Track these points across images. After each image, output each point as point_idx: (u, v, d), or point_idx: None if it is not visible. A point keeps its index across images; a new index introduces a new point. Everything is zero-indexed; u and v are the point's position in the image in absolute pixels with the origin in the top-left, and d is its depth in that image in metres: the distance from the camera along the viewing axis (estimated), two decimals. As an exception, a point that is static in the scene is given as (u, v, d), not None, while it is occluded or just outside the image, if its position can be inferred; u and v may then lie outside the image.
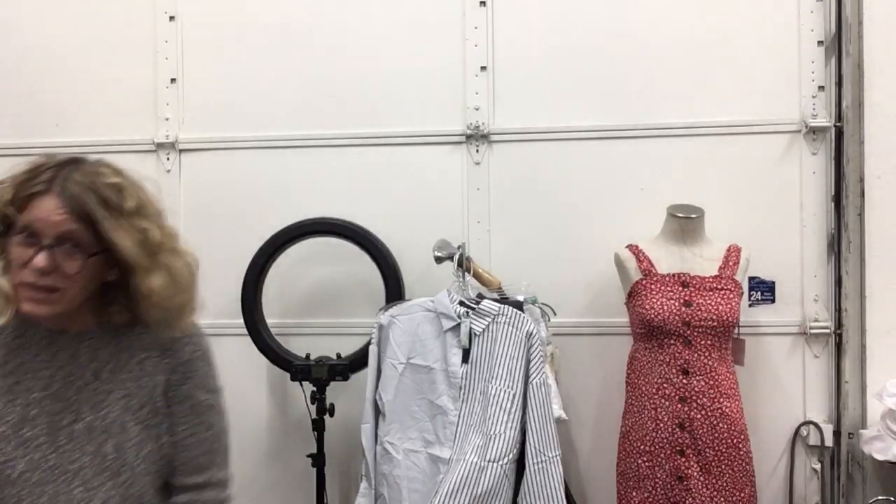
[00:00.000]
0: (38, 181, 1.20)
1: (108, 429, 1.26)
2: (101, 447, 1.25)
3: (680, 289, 2.22)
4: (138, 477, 1.28)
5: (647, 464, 2.18)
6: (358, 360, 2.36)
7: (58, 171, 1.22)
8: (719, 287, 2.22)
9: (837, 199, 2.46)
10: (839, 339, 2.45)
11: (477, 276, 2.32)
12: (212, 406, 1.36)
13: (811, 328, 2.46)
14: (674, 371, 2.17)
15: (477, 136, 2.58)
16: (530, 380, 2.10)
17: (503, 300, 2.23)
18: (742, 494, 2.16)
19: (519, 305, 2.20)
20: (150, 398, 1.30)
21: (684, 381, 2.16)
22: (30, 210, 1.19)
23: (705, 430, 2.14)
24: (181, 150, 2.69)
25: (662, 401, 2.17)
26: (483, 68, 2.60)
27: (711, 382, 2.16)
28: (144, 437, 1.28)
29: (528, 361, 2.11)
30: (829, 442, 2.44)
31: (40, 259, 1.17)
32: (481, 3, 2.60)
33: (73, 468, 1.24)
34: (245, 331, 2.46)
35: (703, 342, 2.17)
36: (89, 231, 1.20)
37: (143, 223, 1.24)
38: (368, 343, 2.26)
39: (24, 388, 1.26)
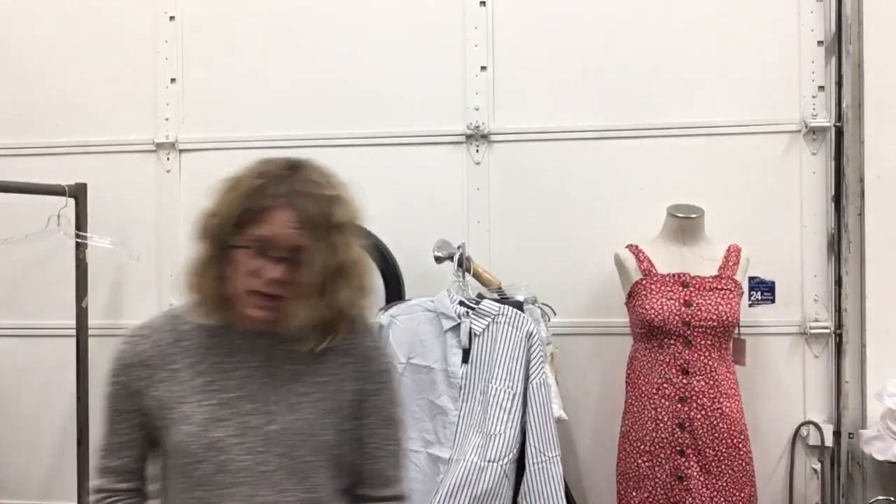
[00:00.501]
0: (272, 194, 1.21)
1: (303, 432, 1.24)
2: (293, 450, 1.23)
3: (680, 289, 2.22)
4: (324, 483, 1.27)
5: (647, 464, 2.18)
6: (358, 360, 2.36)
7: (289, 184, 1.22)
8: (719, 287, 2.22)
9: (837, 199, 2.46)
10: (839, 339, 2.45)
11: (477, 276, 2.32)
12: (399, 420, 1.37)
13: (811, 328, 2.47)
14: (674, 371, 2.17)
15: (477, 136, 2.58)
16: (530, 380, 2.10)
17: (503, 300, 2.23)
18: (742, 494, 2.16)
19: (519, 305, 2.20)
20: (343, 405, 1.29)
21: (684, 381, 2.16)
22: (265, 223, 1.20)
23: (705, 430, 2.14)
24: (181, 150, 2.69)
25: (662, 401, 2.17)
26: (483, 68, 2.60)
27: (711, 382, 2.15)
28: (333, 443, 1.27)
29: (528, 361, 2.11)
30: (829, 442, 2.44)
31: (276, 271, 1.19)
32: (481, 3, 2.60)
33: (263, 471, 1.22)
34: (245, 331, 2.46)
35: (703, 342, 2.17)
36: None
37: (342, 239, 1.24)
38: (368, 343, 2.26)
39: (216, 388, 1.25)
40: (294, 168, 1.26)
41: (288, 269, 1.20)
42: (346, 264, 1.24)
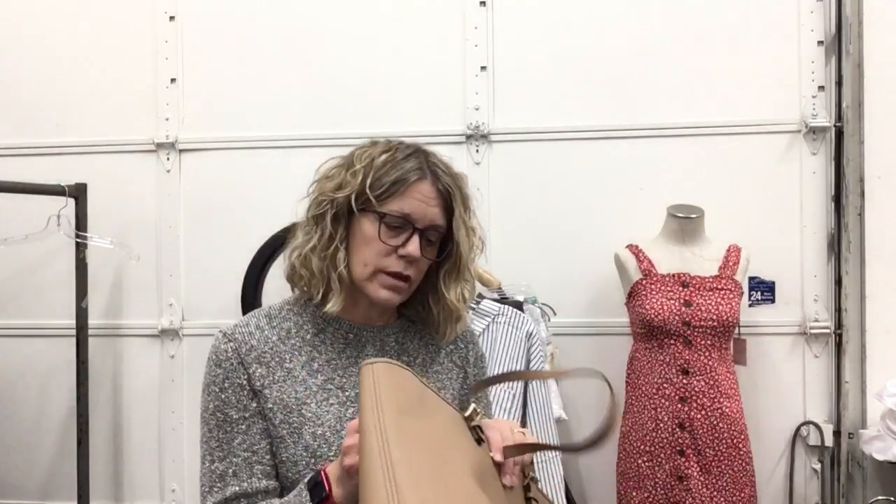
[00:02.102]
0: (408, 168, 1.14)
1: None
2: None
3: (680, 289, 2.22)
4: None
5: (647, 464, 2.18)
6: (358, 360, 2.35)
7: (422, 158, 1.17)
8: (719, 287, 2.22)
9: (837, 199, 2.46)
10: (839, 339, 2.45)
11: (477, 276, 2.32)
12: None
13: (811, 328, 2.47)
14: (674, 371, 2.17)
15: (477, 136, 2.58)
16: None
17: (503, 300, 2.23)
18: (742, 494, 2.16)
19: (519, 305, 2.20)
20: (459, 390, 1.27)
21: (684, 381, 2.16)
22: (405, 196, 1.13)
23: (705, 430, 2.14)
24: (181, 150, 2.69)
25: (662, 401, 2.17)
26: (483, 68, 2.60)
27: (711, 382, 2.16)
28: None
29: (528, 361, 2.11)
30: (829, 442, 2.44)
31: (415, 248, 1.13)
32: (481, 3, 2.60)
33: None
34: (245, 331, 2.46)
35: (703, 342, 2.17)
36: (447, 222, 1.17)
37: (474, 222, 1.21)
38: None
39: (336, 386, 1.16)
40: (416, 146, 1.19)
41: (424, 247, 1.15)
42: (476, 248, 1.20)
